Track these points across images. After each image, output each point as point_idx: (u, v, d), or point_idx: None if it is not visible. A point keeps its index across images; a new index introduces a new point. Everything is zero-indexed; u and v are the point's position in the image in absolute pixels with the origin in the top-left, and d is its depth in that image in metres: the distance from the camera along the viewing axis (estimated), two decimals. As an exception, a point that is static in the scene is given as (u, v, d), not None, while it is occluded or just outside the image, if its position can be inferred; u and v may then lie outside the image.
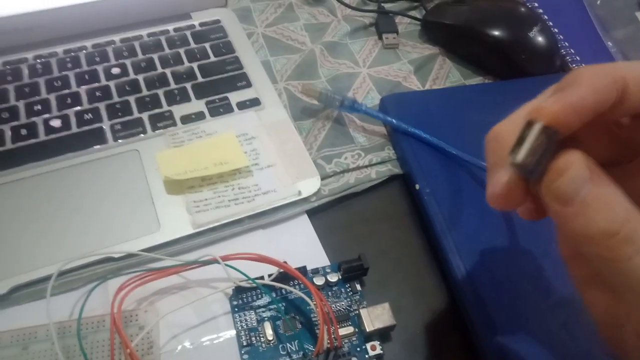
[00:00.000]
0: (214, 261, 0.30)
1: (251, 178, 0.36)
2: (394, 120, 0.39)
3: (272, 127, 0.40)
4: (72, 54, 0.43)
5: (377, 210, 0.37)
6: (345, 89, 0.44)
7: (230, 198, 0.35)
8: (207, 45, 0.45)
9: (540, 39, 0.46)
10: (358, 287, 0.31)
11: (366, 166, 0.38)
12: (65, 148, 0.37)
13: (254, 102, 0.41)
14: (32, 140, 0.37)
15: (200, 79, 0.42)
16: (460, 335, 0.31)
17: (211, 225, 0.33)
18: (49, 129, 0.38)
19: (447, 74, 0.47)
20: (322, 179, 0.37)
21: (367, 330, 0.28)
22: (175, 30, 0.46)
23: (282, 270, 0.30)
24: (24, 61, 0.42)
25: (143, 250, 0.31)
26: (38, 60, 0.42)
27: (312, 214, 0.35)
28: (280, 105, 0.41)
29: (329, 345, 0.27)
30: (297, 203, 0.35)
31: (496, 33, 0.46)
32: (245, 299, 0.31)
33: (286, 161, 0.37)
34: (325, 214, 0.36)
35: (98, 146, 0.37)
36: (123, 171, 0.36)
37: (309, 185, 0.36)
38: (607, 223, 0.18)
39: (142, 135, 0.38)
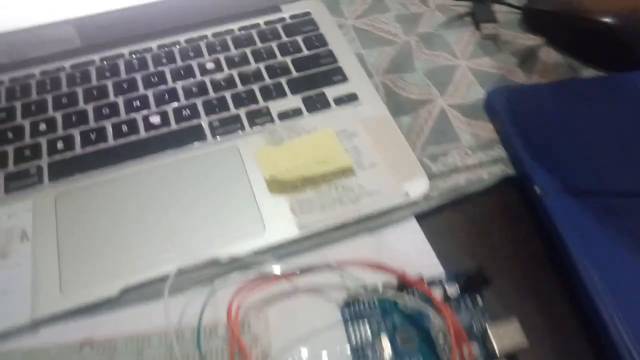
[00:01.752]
0: (328, 267, 0.28)
1: (354, 178, 0.34)
2: (505, 117, 0.36)
3: (372, 123, 0.38)
4: (166, 49, 0.43)
5: (490, 213, 0.34)
6: (445, 83, 0.41)
7: (334, 199, 0.33)
8: (299, 38, 0.43)
9: (664, 26, 0.41)
10: (479, 300, 0.29)
11: (476, 166, 0.36)
12: (166, 145, 0.36)
13: (351, 97, 0.39)
14: (133, 137, 0.37)
15: (294, 74, 0.41)
16: None
17: (318, 229, 0.32)
18: (149, 126, 0.37)
19: (554, 66, 0.43)
20: (429, 179, 0.34)
21: (497, 349, 0.26)
22: (266, 23, 0.45)
23: (400, 279, 0.28)
24: (120, 57, 0.42)
25: (251, 253, 0.30)
26: (134, 56, 0.42)
27: (421, 217, 0.33)
28: (378, 100, 0.39)
29: (457, 364, 0.25)
30: (405, 205, 0.33)
31: (608, 20, 0.42)
32: (358, 309, 0.29)
33: (389, 160, 0.35)
34: (434, 218, 0.33)
35: (198, 143, 0.36)
36: (224, 169, 0.35)
37: (416, 186, 0.34)
38: None
39: (240, 132, 0.37)
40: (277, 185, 0.34)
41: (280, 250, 0.31)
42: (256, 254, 0.31)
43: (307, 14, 0.45)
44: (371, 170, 0.35)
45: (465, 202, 0.34)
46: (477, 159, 0.36)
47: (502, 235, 0.33)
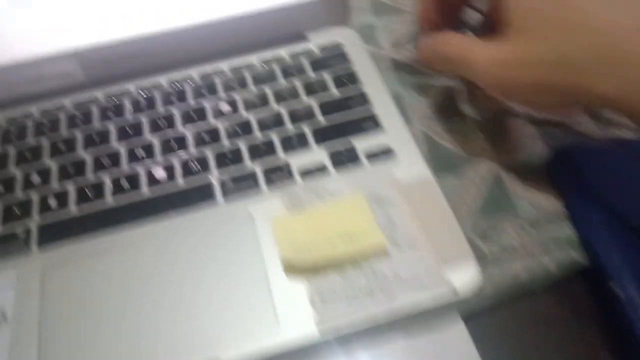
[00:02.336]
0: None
1: (388, 262, 0.29)
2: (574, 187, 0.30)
3: (411, 187, 0.32)
4: (178, 85, 0.38)
5: (555, 313, 0.28)
6: (500, 135, 0.35)
7: (363, 289, 0.28)
8: (327, 75, 0.38)
9: None
10: None
11: (537, 248, 0.30)
12: (170, 206, 0.31)
13: (386, 153, 0.33)
14: (134, 196, 0.32)
15: (320, 120, 0.35)
16: None
17: (340, 327, 0.26)
18: (153, 181, 0.33)
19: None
20: (479, 263, 0.28)
21: None
22: (290, 55, 0.39)
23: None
24: (126, 94, 0.37)
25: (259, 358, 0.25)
26: (141, 93, 0.37)
27: (468, 316, 0.27)
28: (419, 156, 0.33)
29: None
30: (450, 304, 0.28)
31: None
32: None
33: (431, 238, 0.29)
34: (483, 317, 0.28)
35: (205, 205, 0.31)
36: (234, 241, 0.30)
37: (464, 276, 0.28)
38: None
39: (255, 193, 0.32)
40: (295, 266, 0.28)
41: (296, 355, 0.26)
42: (267, 357, 0.26)
43: (338, 45, 0.40)
44: (409, 252, 0.29)
45: (523, 297, 0.28)
46: (540, 240, 0.30)
47: (568, 345, 0.27)
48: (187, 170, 0.33)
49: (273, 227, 0.30)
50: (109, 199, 0.32)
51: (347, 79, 0.37)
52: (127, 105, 0.37)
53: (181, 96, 0.37)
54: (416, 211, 0.30)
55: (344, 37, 0.40)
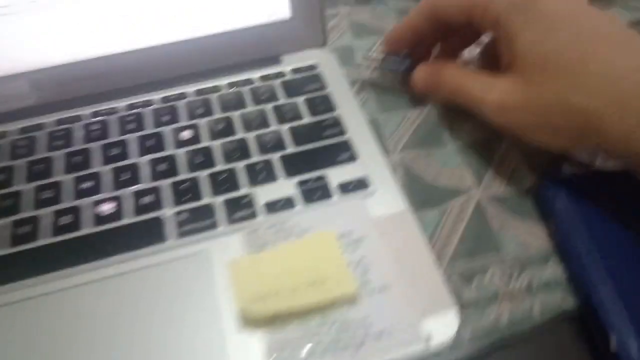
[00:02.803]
0: None
1: (358, 309, 0.25)
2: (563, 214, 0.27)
3: (386, 223, 0.29)
4: (136, 110, 0.35)
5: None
6: (483, 164, 0.32)
7: (329, 343, 0.24)
8: (300, 100, 0.35)
9: None
10: None
11: (523, 292, 0.26)
12: (114, 246, 0.28)
13: (361, 185, 0.30)
14: (74, 233, 0.29)
15: (290, 149, 0.32)
16: None
17: (302, 390, 0.23)
18: (97, 217, 0.29)
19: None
20: (459, 308, 0.25)
21: None
22: (262, 78, 0.36)
23: None
24: (78, 119, 0.34)
25: None
26: (95, 119, 0.34)
27: (448, 371, 0.24)
28: (395, 189, 0.30)
29: None
30: (425, 356, 0.24)
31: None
32: None
33: (406, 280, 0.26)
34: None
35: (156, 244, 0.28)
36: (185, 286, 0.27)
37: (441, 324, 0.25)
38: None
39: (213, 230, 0.29)
40: (254, 317, 0.25)
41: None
42: None
43: (313, 67, 0.37)
44: (381, 297, 0.26)
45: (506, 346, 0.25)
46: (525, 279, 0.27)
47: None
48: (137, 205, 0.30)
49: (231, 271, 0.27)
50: (44, 237, 0.28)
51: (321, 103, 0.35)
52: (78, 132, 0.33)
53: (139, 122, 0.34)
54: (391, 250, 0.27)
55: (320, 59, 0.38)
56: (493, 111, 0.29)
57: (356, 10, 0.44)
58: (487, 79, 0.30)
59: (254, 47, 0.37)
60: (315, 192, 0.30)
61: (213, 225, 0.29)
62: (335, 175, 0.31)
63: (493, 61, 0.33)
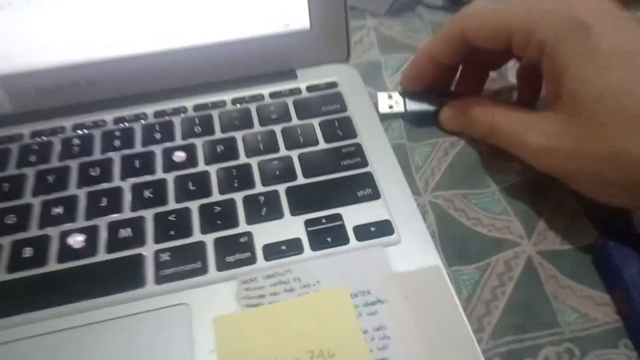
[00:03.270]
0: None
1: (374, 396, 0.20)
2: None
3: (412, 281, 0.23)
4: (125, 124, 0.30)
5: None
6: (534, 211, 0.26)
7: None
8: (315, 122, 0.30)
9: None
10: None
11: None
12: (82, 290, 0.23)
13: (384, 229, 0.25)
14: (35, 269, 0.24)
15: (300, 180, 0.27)
16: None
17: None
18: (65, 252, 0.24)
19: None
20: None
21: None
22: (272, 95, 0.31)
23: None
24: (57, 132, 0.30)
25: None
26: (76, 133, 0.29)
27: None
28: (425, 237, 0.25)
29: None
30: None
31: None
32: None
33: (435, 356, 0.20)
34: None
35: (131, 289, 0.23)
36: (160, 345, 0.21)
37: None
38: None
39: (201, 276, 0.23)
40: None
41: None
42: None
43: (333, 84, 0.32)
44: (404, 382, 0.20)
45: None
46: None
47: None
48: (114, 238, 0.25)
49: (215, 330, 0.21)
50: (3, 274, 0.24)
51: (341, 128, 0.29)
52: (56, 146, 0.29)
53: (127, 139, 0.29)
54: (418, 315, 0.22)
55: (341, 75, 0.32)
56: (536, 155, 0.25)
57: (386, 23, 0.39)
58: (527, 116, 0.25)
59: (266, 59, 0.32)
60: (327, 235, 0.25)
61: (201, 271, 0.23)
62: (353, 215, 0.25)
63: (534, 86, 0.30)
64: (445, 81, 0.31)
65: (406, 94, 0.31)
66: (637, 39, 0.22)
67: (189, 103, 0.31)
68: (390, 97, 0.31)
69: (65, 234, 0.25)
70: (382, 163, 0.28)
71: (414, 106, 0.31)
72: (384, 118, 0.31)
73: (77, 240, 0.25)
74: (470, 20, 0.26)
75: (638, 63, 0.22)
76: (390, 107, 0.31)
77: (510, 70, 0.33)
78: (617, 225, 0.26)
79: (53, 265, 0.24)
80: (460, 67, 0.31)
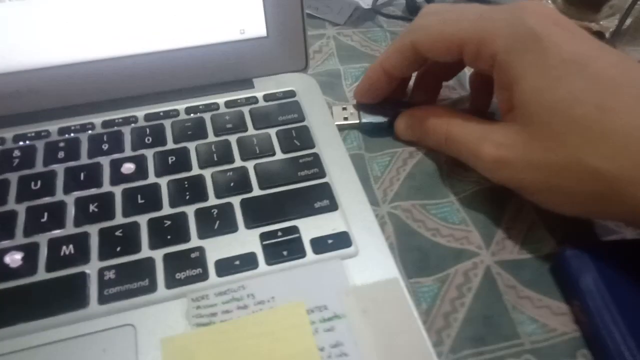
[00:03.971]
0: None
1: (330, 417, 0.19)
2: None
3: (371, 295, 0.22)
4: (71, 135, 0.28)
5: None
6: (492, 221, 0.26)
7: None
8: (272, 132, 0.29)
9: None
10: None
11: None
12: (20, 312, 0.21)
13: (341, 242, 0.24)
14: (-34, 293, 0.22)
15: (256, 192, 0.26)
16: None
17: None
18: (1, 271, 0.23)
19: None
20: None
21: None
22: (227, 104, 0.30)
23: None
24: (-3, 143, 0.28)
25: None
26: (19, 143, 0.28)
27: None
28: (384, 249, 0.24)
29: None
30: None
31: None
32: None
33: (396, 377, 0.20)
34: None
35: (72, 310, 0.22)
36: (100, 373, 0.20)
37: None
38: None
39: (147, 295, 0.22)
40: None
41: None
42: None
43: (290, 94, 0.31)
44: (361, 401, 0.19)
45: None
46: (549, 378, 0.21)
47: None
48: (55, 256, 0.23)
49: (163, 351, 0.20)
50: None
51: (298, 138, 0.29)
52: (-5, 158, 0.27)
53: (72, 150, 0.27)
54: (376, 330, 0.21)
55: (299, 85, 0.32)
56: (489, 166, 0.25)
57: (345, 32, 0.38)
58: (482, 126, 0.25)
59: (222, 68, 0.31)
60: (283, 249, 0.24)
61: (149, 289, 0.22)
62: (310, 227, 0.25)
63: (486, 94, 0.30)
64: (399, 92, 0.31)
65: (360, 106, 0.31)
66: (586, 48, 0.22)
67: (140, 112, 0.30)
68: (344, 108, 0.31)
69: (1, 252, 0.23)
70: (340, 173, 0.27)
71: (368, 118, 0.30)
72: (342, 128, 0.30)
73: (14, 259, 0.23)
74: (421, 33, 0.26)
75: (588, 73, 0.22)
76: (345, 118, 0.31)
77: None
78: (576, 234, 0.26)
79: (-15, 287, 0.22)
80: (414, 78, 0.31)
